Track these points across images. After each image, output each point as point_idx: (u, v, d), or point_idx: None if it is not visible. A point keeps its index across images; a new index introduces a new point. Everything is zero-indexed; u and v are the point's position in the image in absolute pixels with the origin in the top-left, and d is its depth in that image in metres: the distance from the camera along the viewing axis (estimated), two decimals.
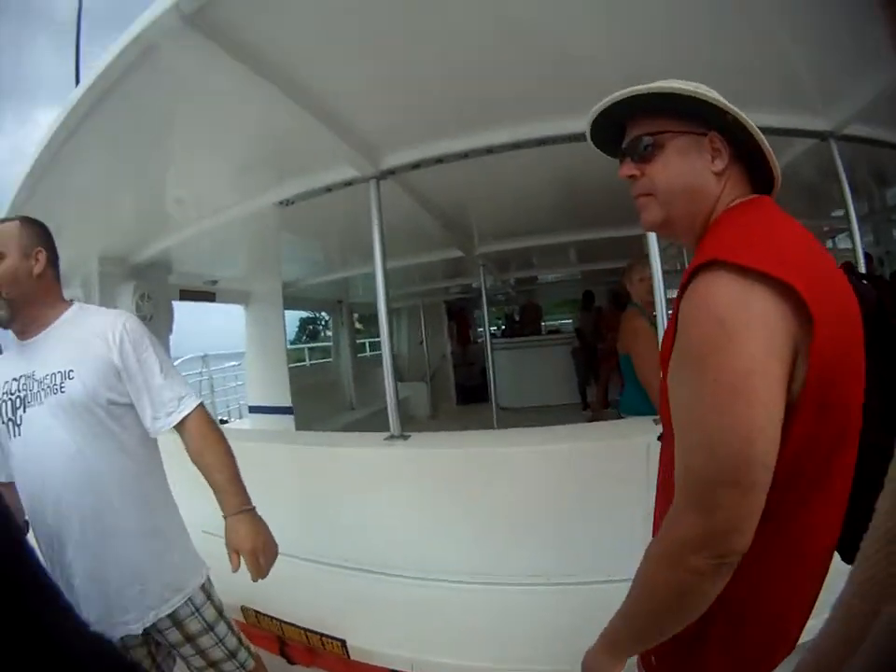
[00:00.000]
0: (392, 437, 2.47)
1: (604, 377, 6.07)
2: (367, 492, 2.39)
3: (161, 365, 1.35)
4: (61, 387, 1.24)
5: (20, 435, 1.22)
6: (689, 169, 0.83)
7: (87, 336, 1.30)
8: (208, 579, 1.49)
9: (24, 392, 1.26)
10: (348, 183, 2.57)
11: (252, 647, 1.61)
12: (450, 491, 2.23)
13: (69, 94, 1.82)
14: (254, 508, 1.32)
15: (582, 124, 0.95)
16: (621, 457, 2.08)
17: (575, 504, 2.11)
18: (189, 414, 1.34)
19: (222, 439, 1.37)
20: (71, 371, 1.25)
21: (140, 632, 1.32)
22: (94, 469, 1.25)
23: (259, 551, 1.24)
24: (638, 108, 0.87)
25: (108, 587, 1.27)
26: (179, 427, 1.35)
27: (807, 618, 0.84)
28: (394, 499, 2.31)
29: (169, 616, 1.36)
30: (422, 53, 1.74)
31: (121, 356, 1.30)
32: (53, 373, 1.25)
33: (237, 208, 2.95)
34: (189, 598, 1.40)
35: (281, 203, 2.80)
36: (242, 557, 1.23)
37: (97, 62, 1.61)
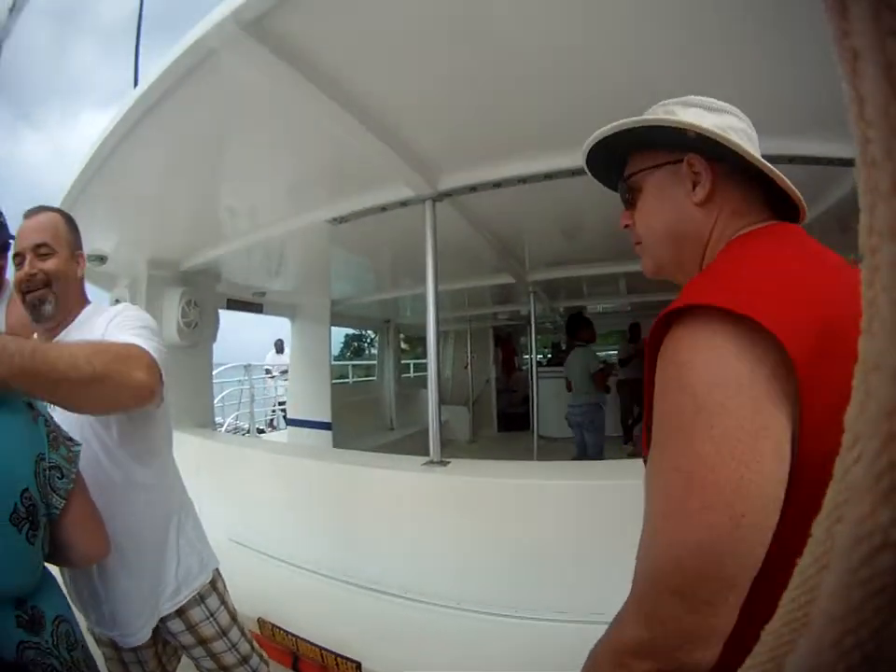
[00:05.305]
0: (431, 462, 2.41)
1: (647, 410, 5.77)
2: (399, 515, 2.35)
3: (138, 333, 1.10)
4: None
5: None
6: (667, 207, 0.71)
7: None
8: (222, 580, 1.46)
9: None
10: (404, 203, 2.51)
11: (264, 654, 1.57)
12: (484, 520, 2.17)
13: (125, 96, 1.82)
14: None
15: None
16: None
17: (614, 543, 1.93)
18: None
19: (124, 366, 0.95)
20: None
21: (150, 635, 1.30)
22: (109, 477, 1.20)
23: None
24: (629, 144, 0.75)
25: (137, 593, 1.25)
26: None
27: None
28: (425, 525, 2.26)
29: (181, 618, 1.33)
30: (483, 75, 1.67)
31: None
32: None
33: (289, 222, 2.92)
34: (204, 603, 1.36)
35: (334, 220, 2.75)
36: None
37: (154, 66, 1.58)
